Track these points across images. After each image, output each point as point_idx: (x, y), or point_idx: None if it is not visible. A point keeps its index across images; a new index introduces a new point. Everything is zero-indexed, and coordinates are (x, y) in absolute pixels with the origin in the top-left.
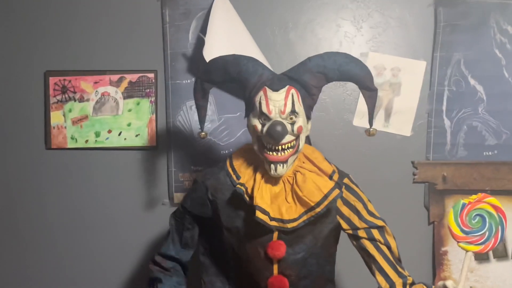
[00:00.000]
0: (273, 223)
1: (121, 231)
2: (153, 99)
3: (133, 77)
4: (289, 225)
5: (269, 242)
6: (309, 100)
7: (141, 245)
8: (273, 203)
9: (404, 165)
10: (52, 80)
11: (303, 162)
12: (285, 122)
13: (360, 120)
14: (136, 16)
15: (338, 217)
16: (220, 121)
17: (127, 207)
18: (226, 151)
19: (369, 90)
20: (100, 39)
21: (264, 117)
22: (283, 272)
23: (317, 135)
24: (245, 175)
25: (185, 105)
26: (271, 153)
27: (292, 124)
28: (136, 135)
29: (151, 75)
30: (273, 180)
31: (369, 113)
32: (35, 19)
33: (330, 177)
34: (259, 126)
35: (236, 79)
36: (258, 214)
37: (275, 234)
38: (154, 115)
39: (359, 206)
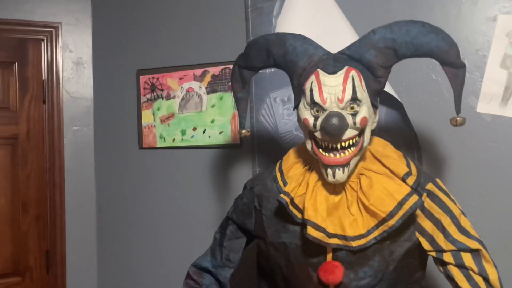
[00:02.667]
0: (334, 240)
1: (207, 231)
2: None
3: (216, 70)
4: (355, 243)
5: (322, 264)
6: (375, 84)
7: None
8: (331, 215)
9: None
10: (142, 79)
11: (370, 163)
12: (344, 113)
13: (487, 105)
14: (218, 4)
15: (417, 233)
16: None
17: (210, 208)
18: None
19: (454, 67)
20: (184, 33)
21: (317, 107)
22: None
23: (428, 127)
24: (293, 181)
25: (268, 97)
26: (327, 154)
27: (354, 115)
28: (220, 132)
29: None
30: (331, 186)
31: (455, 96)
32: (125, 19)
33: (404, 180)
34: (311, 120)
35: (282, 62)
36: (310, 230)
37: (329, 254)
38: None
39: (446, 221)
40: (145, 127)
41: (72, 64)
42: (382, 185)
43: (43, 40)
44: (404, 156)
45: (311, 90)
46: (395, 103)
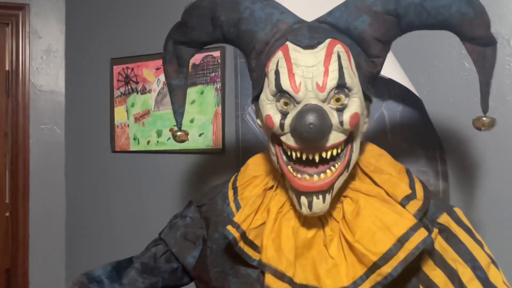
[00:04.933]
0: None
1: None
2: (219, 85)
3: (197, 58)
4: None
5: None
6: (368, 66)
7: None
8: (302, 257)
9: None
10: (116, 69)
11: (359, 180)
12: (326, 107)
13: None
14: None
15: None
16: None
17: None
18: None
19: (481, 44)
20: (161, 17)
21: (285, 98)
22: None
23: (456, 130)
24: (248, 205)
25: None
26: (299, 175)
27: (341, 110)
28: (200, 134)
29: (217, 54)
30: (302, 215)
31: (481, 86)
32: (101, 1)
33: (403, 206)
34: (276, 118)
35: (234, 34)
36: (270, 281)
37: None
38: (220, 107)
39: (466, 274)
40: (118, 126)
41: (41, 52)
42: (374, 213)
43: (7, 24)
44: (406, 171)
45: (276, 73)
46: (412, 99)
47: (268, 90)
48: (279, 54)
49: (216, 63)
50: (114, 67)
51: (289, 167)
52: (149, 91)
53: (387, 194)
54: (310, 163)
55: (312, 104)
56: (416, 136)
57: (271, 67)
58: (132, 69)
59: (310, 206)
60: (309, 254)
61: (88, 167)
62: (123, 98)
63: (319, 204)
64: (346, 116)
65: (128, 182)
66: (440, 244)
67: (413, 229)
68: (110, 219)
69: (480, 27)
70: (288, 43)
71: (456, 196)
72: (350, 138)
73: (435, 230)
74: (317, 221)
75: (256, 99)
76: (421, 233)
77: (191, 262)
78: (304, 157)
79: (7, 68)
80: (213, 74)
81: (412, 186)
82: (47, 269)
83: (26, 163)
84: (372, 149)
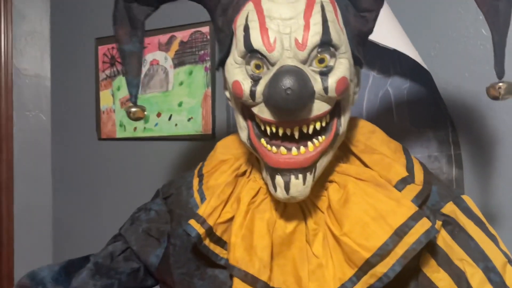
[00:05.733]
0: None
1: None
2: (208, 64)
3: (185, 35)
4: None
5: None
6: (359, 22)
7: None
8: (280, 256)
9: None
10: (101, 50)
11: (347, 161)
12: (307, 69)
13: None
14: None
15: None
16: None
17: None
18: None
19: None
20: None
21: (256, 59)
22: None
23: (471, 108)
24: (216, 194)
25: None
26: (275, 149)
27: (325, 74)
28: (189, 119)
29: (206, 30)
30: (280, 206)
31: (494, 47)
32: None
33: (400, 190)
34: (245, 84)
35: None
36: (238, 286)
37: None
38: (210, 89)
39: (476, 275)
40: (103, 112)
41: (25, 34)
42: (366, 199)
43: None
44: (404, 150)
45: (246, 28)
46: (420, 73)
47: (236, 52)
48: (249, 6)
49: (205, 39)
50: (99, 47)
51: (262, 140)
52: None
53: (383, 177)
54: (289, 139)
55: (289, 65)
56: (426, 117)
57: (239, 22)
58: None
59: (287, 187)
60: (289, 252)
61: (75, 156)
62: (109, 81)
63: (298, 186)
64: (332, 80)
65: (115, 171)
66: (445, 240)
67: (414, 219)
68: (97, 210)
69: None
70: None
71: (471, 185)
72: (336, 109)
73: (438, 223)
74: (298, 213)
75: (222, 64)
76: (424, 224)
77: (154, 262)
78: (280, 132)
79: None
80: (202, 52)
81: (409, 167)
82: (33, 265)
83: (9, 152)
84: (363, 126)
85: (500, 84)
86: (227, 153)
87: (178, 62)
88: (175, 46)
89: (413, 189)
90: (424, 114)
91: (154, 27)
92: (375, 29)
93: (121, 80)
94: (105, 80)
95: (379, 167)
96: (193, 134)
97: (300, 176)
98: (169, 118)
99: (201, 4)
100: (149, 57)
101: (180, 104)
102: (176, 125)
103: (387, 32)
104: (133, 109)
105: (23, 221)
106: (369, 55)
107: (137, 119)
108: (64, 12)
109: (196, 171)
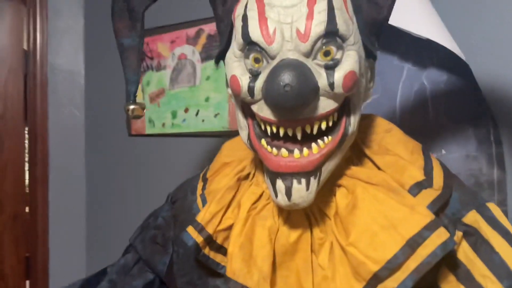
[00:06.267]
0: None
1: None
2: None
3: (212, 28)
4: None
5: None
6: (372, 9)
7: None
8: (283, 267)
9: None
10: None
11: (358, 163)
12: (310, 63)
13: None
14: None
15: None
16: None
17: None
18: None
19: None
20: None
21: (255, 52)
22: None
23: None
24: (216, 199)
25: None
26: (275, 150)
27: (331, 68)
28: (215, 115)
29: None
30: (283, 213)
31: None
32: None
33: (414, 195)
34: (244, 79)
35: None
36: None
37: None
38: None
39: None
40: None
41: (60, 30)
42: (376, 206)
43: (24, 2)
44: (423, 150)
45: (244, 18)
46: (459, 65)
47: (235, 44)
48: None
49: None
50: None
51: (263, 140)
52: (164, 68)
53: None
54: (292, 139)
55: (290, 58)
56: (465, 113)
57: (239, 11)
58: (147, 44)
59: (288, 193)
60: (292, 263)
61: (107, 152)
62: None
63: (301, 191)
64: (339, 75)
65: (145, 167)
66: (466, 253)
67: (429, 228)
68: (129, 206)
69: None
70: None
71: None
72: (346, 107)
73: (459, 234)
74: (303, 220)
75: (222, 57)
76: (441, 234)
77: (162, 270)
78: (281, 132)
79: (24, 47)
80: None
81: (428, 170)
82: (67, 257)
83: (44, 147)
84: (378, 124)
85: None
86: (231, 155)
87: (206, 56)
88: (202, 40)
89: (429, 194)
90: (463, 109)
91: (182, 20)
92: (407, 16)
93: (150, 75)
94: None
95: (392, 169)
96: (219, 130)
97: (303, 180)
98: (196, 114)
99: None
100: (177, 51)
101: (207, 99)
102: (203, 121)
103: (420, 20)
104: (132, 107)
105: (58, 214)
106: (403, 45)
107: (136, 117)
108: (97, 9)
109: (201, 175)
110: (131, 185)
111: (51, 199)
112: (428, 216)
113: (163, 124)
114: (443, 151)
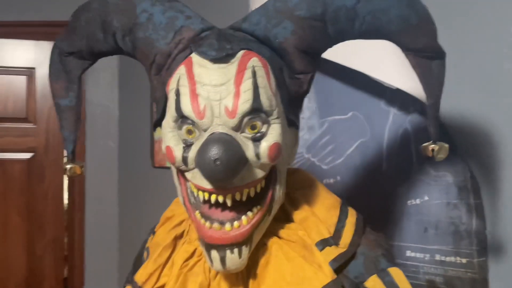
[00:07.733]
0: None
1: None
2: None
3: None
4: None
5: None
6: (294, 84)
7: None
8: None
9: None
10: None
11: (282, 215)
12: (238, 136)
13: None
14: None
15: None
16: (323, 127)
17: None
18: (331, 180)
19: (426, 56)
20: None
21: (188, 125)
22: None
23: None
24: (153, 258)
25: None
26: (208, 223)
27: (257, 140)
28: None
29: None
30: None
31: (428, 109)
32: None
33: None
34: (177, 150)
35: (130, 44)
36: None
37: None
38: None
39: None
40: (156, 141)
41: (97, 67)
42: (285, 263)
43: None
44: (341, 207)
45: (177, 93)
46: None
47: (169, 116)
48: (181, 69)
49: None
50: None
51: (197, 212)
52: None
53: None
54: (222, 206)
55: (218, 133)
56: (445, 160)
57: (172, 85)
58: None
59: (223, 262)
60: None
61: (136, 181)
62: None
63: (234, 260)
64: (264, 146)
65: (167, 198)
66: None
67: None
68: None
69: (424, 35)
70: (193, 55)
71: (495, 239)
72: (273, 174)
73: None
74: (231, 275)
75: (157, 124)
76: None
77: None
78: (213, 199)
79: None
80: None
81: (338, 228)
82: (102, 280)
83: (82, 178)
84: (302, 179)
85: (433, 146)
86: (174, 209)
87: None
88: None
89: (332, 252)
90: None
91: None
92: (378, 67)
93: None
94: None
95: (305, 225)
96: None
97: (236, 250)
98: None
99: (139, 61)
100: None
101: None
102: None
103: (389, 69)
104: (69, 166)
105: (93, 238)
106: (389, 91)
107: (74, 175)
108: None
109: (154, 226)
110: (159, 213)
111: (87, 224)
112: (330, 277)
113: None
114: (426, 197)
